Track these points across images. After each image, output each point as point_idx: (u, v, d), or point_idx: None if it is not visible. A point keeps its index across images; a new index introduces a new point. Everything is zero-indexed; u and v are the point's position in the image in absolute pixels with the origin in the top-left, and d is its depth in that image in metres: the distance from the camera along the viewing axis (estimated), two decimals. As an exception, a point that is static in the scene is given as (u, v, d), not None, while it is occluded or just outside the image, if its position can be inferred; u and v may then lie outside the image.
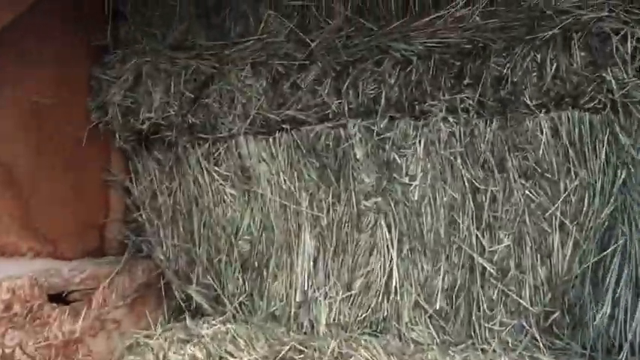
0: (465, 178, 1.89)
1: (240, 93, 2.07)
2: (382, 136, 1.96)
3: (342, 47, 1.96)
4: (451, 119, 1.89)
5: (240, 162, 2.16)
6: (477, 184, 1.88)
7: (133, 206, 2.36)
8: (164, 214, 2.29)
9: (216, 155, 2.19)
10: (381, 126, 1.96)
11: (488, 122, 1.86)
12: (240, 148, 2.15)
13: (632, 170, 1.72)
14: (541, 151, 1.80)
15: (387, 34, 1.94)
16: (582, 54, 1.74)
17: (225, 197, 2.19)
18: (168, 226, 2.29)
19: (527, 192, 1.83)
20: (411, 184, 1.94)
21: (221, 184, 2.19)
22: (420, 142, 1.93)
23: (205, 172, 2.20)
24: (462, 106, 1.86)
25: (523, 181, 1.83)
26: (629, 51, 1.68)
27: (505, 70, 1.80)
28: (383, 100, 1.93)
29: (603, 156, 1.74)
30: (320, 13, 2.04)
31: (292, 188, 2.08)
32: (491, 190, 1.85)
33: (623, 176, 1.73)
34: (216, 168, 2.19)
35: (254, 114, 2.06)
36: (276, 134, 2.09)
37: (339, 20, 2.01)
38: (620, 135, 1.73)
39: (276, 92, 2.04)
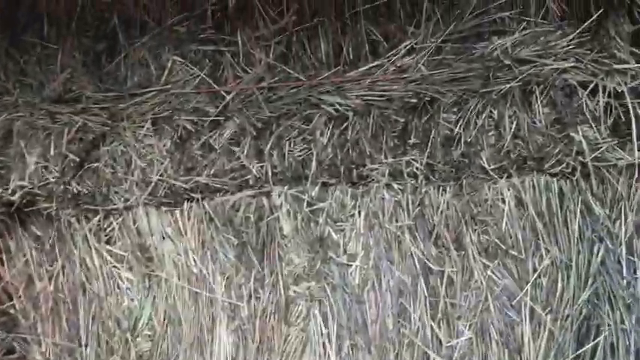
0: (415, 258, 1.76)
1: (139, 155, 1.90)
2: (314, 207, 1.83)
3: (264, 100, 1.85)
4: (396, 186, 1.80)
5: (139, 239, 1.96)
6: (429, 264, 1.76)
7: (4, 295, 2.09)
8: (43, 304, 2.04)
9: (108, 231, 1.99)
10: (313, 194, 1.83)
11: (440, 190, 1.78)
12: (139, 223, 1.96)
13: (611, 247, 1.62)
14: (504, 224, 1.70)
15: (318, 86, 1.85)
16: (546, 110, 1.70)
17: (121, 283, 1.99)
18: (49, 320, 2.04)
19: (489, 273, 1.71)
20: (350, 265, 1.82)
21: (115, 266, 1.99)
22: (359, 213, 1.81)
23: (95, 251, 1.99)
24: (408, 170, 1.78)
25: (484, 260, 1.72)
26: (601, 107, 1.63)
27: (457, 129, 1.75)
28: (314, 164, 1.82)
29: (576, 229, 1.65)
30: (237, 61, 1.92)
31: (204, 271, 1.90)
32: (447, 272, 1.75)
33: (600, 253, 1.62)
34: (108, 247, 1.98)
35: (156, 181, 1.90)
36: (184, 205, 1.92)
37: (260, 69, 1.90)
38: (594, 205, 1.65)
39: (184, 154, 1.90)
